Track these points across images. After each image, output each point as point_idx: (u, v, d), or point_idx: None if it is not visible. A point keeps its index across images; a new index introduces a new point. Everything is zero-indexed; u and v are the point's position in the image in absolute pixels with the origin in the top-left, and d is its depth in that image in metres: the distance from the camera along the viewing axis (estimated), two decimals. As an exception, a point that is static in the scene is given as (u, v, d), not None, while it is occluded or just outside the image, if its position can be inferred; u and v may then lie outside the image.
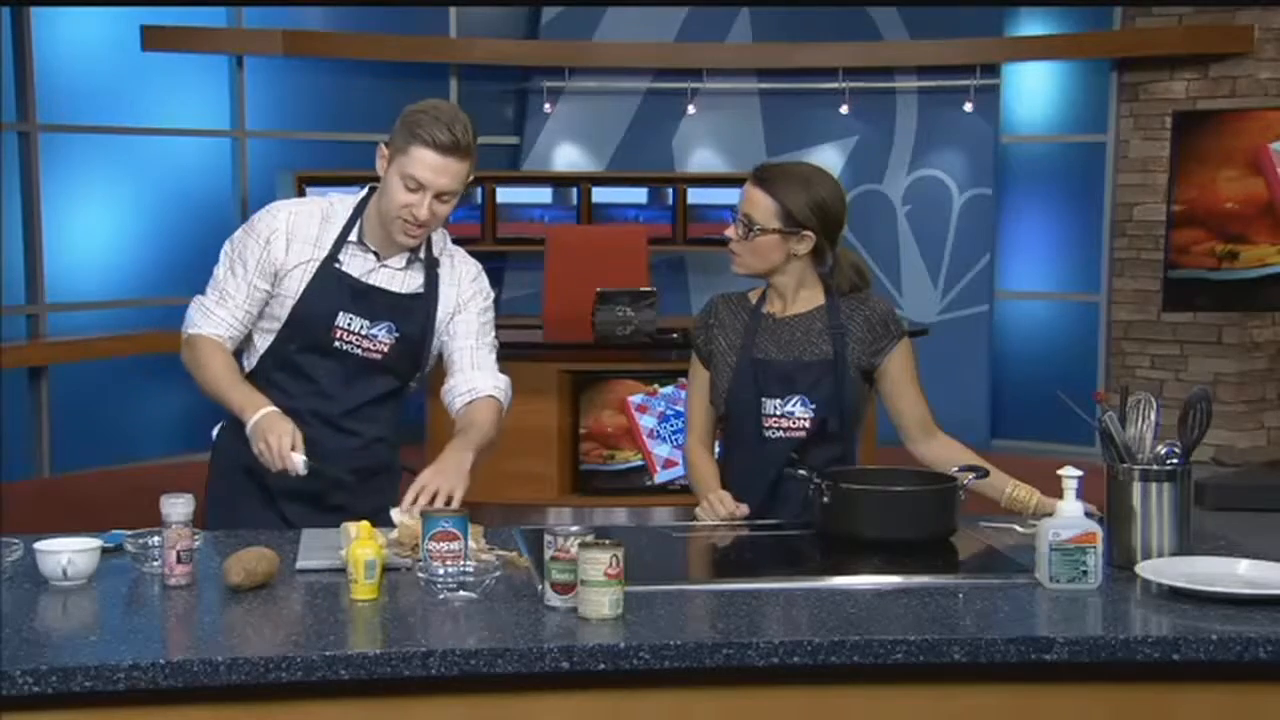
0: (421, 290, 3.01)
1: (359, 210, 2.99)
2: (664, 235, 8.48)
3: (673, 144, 8.89)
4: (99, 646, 2.12)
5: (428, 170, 2.84)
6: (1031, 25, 8.77)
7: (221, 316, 2.95)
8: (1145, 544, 2.54)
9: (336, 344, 2.96)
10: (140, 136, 7.86)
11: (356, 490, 2.93)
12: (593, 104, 8.85)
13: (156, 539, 2.48)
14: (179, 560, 2.42)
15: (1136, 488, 2.55)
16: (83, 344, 7.49)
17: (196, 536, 2.47)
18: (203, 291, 3.01)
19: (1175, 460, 2.58)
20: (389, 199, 2.88)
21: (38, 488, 7.01)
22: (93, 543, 2.46)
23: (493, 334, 3.11)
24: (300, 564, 2.54)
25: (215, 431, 3.13)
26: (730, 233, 3.03)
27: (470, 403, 3.02)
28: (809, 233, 3.00)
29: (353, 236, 2.97)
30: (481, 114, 8.98)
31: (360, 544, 2.36)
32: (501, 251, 8.59)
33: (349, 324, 2.96)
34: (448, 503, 2.70)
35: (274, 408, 2.84)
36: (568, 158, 8.91)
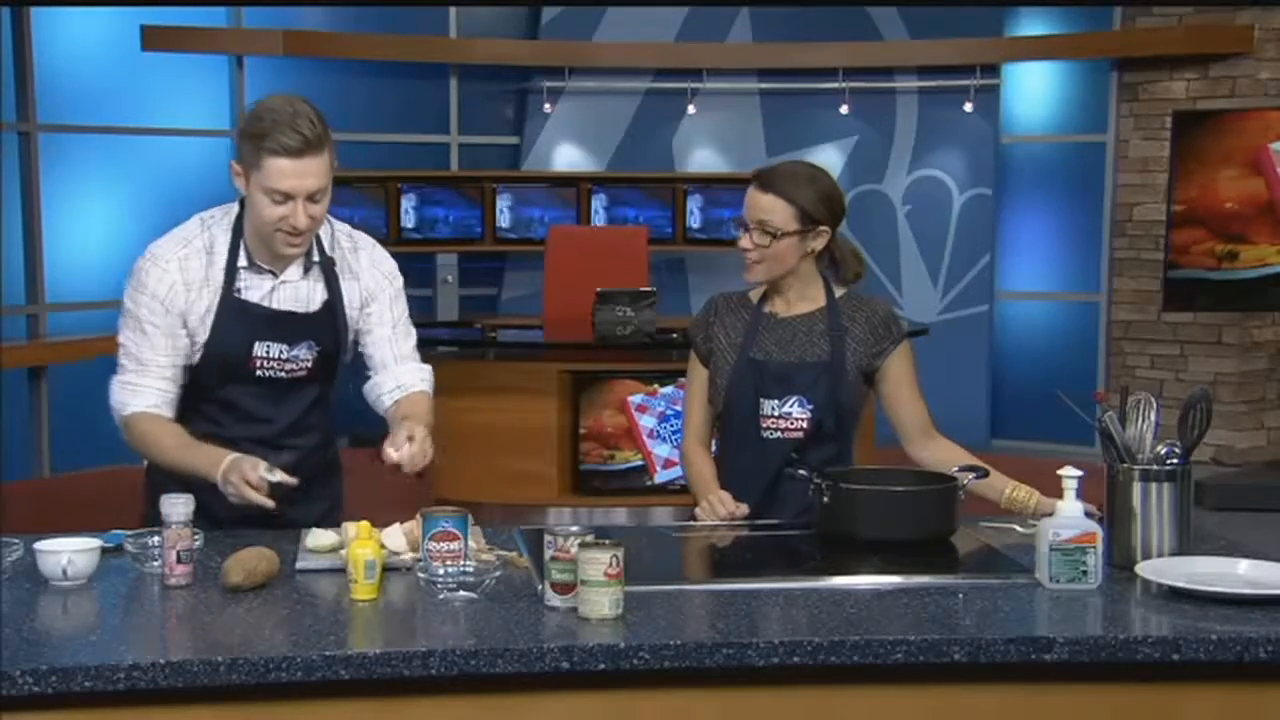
0: (327, 297, 2.90)
1: (238, 232, 2.84)
2: (664, 235, 8.48)
3: (673, 144, 8.89)
4: (99, 646, 2.12)
5: (288, 179, 2.70)
6: (1031, 25, 8.77)
7: (149, 384, 2.82)
8: (1145, 544, 2.54)
9: (259, 373, 2.87)
10: (140, 136, 7.86)
11: (302, 501, 2.85)
12: (593, 104, 8.85)
13: (156, 539, 2.48)
14: (179, 560, 2.42)
15: (1136, 488, 2.55)
16: (83, 344, 7.47)
17: (196, 536, 2.47)
18: (116, 369, 2.86)
19: (1175, 460, 2.58)
20: (260, 216, 2.75)
21: (38, 488, 7.00)
22: (93, 543, 2.46)
23: (406, 315, 3.02)
24: (300, 564, 2.54)
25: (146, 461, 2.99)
26: (746, 242, 3.00)
27: (399, 401, 2.96)
28: (824, 228, 3.01)
29: (242, 261, 2.83)
30: (481, 114, 9.08)
31: (360, 544, 2.36)
32: (501, 251, 8.59)
33: (267, 351, 2.86)
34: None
35: (231, 454, 2.72)
36: (568, 158, 8.91)
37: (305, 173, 2.71)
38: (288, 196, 2.71)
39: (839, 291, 3.10)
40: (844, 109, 8.63)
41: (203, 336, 2.83)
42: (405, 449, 2.70)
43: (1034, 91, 8.87)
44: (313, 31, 8.27)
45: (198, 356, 2.84)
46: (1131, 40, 8.44)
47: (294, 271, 2.87)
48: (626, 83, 8.81)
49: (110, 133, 7.77)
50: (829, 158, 8.61)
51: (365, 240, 3.00)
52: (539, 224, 8.45)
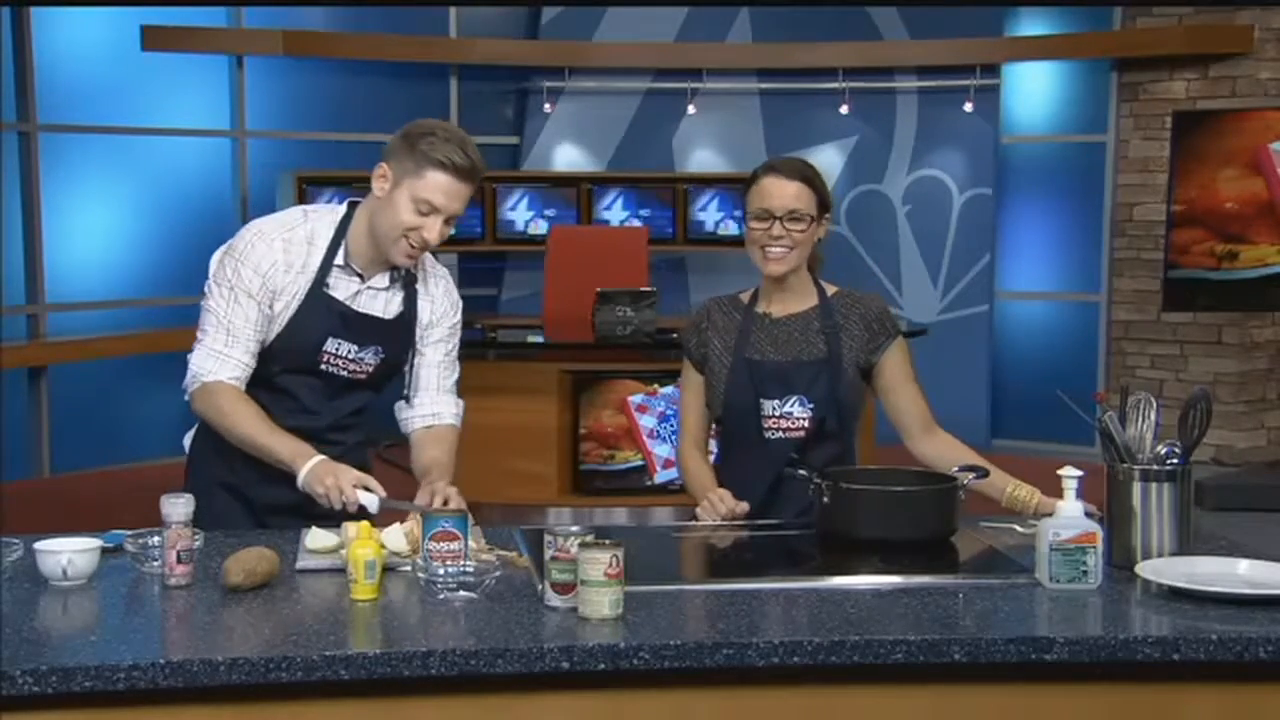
0: (403, 309, 2.97)
1: (340, 231, 2.91)
2: (664, 235, 8.48)
3: (673, 144, 8.89)
4: (99, 646, 2.12)
5: (442, 194, 2.80)
6: (1031, 25, 8.77)
7: (235, 357, 2.86)
8: (1145, 544, 2.54)
9: (323, 367, 2.93)
10: (140, 136, 7.87)
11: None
12: (593, 104, 8.85)
13: (156, 539, 2.48)
14: (179, 560, 2.42)
15: (1136, 488, 2.55)
16: (83, 344, 7.49)
17: (196, 536, 2.48)
18: (201, 330, 2.89)
19: (1175, 460, 2.58)
20: (393, 220, 2.82)
21: (38, 488, 7.01)
22: (93, 543, 2.46)
23: (457, 348, 3.09)
24: (300, 564, 2.54)
25: (188, 442, 3.06)
26: (777, 231, 2.99)
27: (430, 428, 3.02)
28: (828, 214, 3.07)
29: (339, 259, 2.90)
30: (481, 114, 9.08)
31: (360, 544, 2.36)
32: (501, 251, 8.59)
33: (337, 349, 2.92)
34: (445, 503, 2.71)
35: (322, 456, 2.79)
36: (568, 158, 8.91)
37: (458, 195, 2.83)
38: (433, 210, 2.80)
39: (830, 290, 3.10)
40: (844, 109, 8.63)
41: (279, 324, 2.88)
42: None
43: (1034, 91, 8.87)
44: (313, 31, 8.27)
45: (271, 340, 2.89)
46: (1131, 40, 8.44)
47: (381, 280, 2.95)
48: (626, 83, 8.81)
49: (110, 133, 7.77)
50: (829, 158, 8.61)
51: (443, 270, 3.09)
52: (539, 224, 8.46)
